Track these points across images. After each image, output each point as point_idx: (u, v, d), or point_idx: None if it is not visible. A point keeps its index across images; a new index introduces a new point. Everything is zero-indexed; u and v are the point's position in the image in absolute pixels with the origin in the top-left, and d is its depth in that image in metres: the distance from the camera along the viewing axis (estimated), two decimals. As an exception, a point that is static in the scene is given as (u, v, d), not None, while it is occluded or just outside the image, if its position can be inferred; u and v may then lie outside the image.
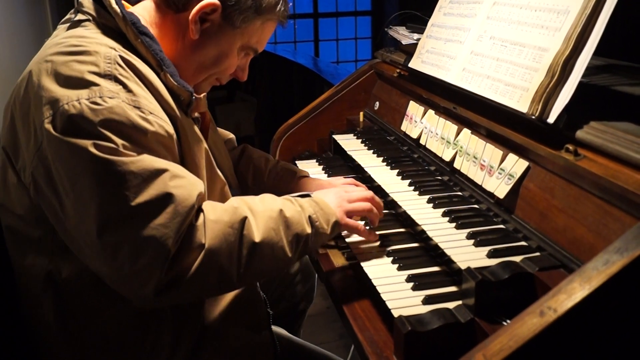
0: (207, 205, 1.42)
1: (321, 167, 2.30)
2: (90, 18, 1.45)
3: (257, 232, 1.41)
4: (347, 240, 1.71)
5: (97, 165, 1.27)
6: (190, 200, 1.33)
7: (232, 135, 2.23)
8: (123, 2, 1.50)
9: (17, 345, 1.55)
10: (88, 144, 1.26)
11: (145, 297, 1.32)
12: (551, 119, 1.43)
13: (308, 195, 1.61)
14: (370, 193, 1.71)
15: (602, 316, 1.01)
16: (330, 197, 1.62)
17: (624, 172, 1.23)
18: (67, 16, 1.54)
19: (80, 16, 1.48)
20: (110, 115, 1.28)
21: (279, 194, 1.91)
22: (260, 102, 7.04)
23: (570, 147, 1.36)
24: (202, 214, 1.38)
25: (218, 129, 2.16)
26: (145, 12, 1.53)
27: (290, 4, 1.65)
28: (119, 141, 1.28)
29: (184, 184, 1.34)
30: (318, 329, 3.29)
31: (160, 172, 1.31)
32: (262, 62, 6.62)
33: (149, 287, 1.29)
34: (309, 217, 1.51)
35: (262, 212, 1.45)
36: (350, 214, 1.62)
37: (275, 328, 1.78)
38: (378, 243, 1.67)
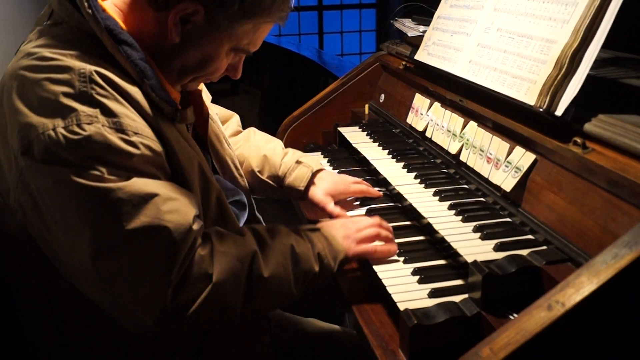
0: (215, 234, 1.37)
1: (326, 159, 2.29)
2: (63, 21, 1.35)
3: (265, 268, 1.36)
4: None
5: (84, 193, 1.21)
6: (186, 224, 1.27)
7: (234, 117, 2.13)
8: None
9: (16, 358, 1.53)
10: (71, 172, 1.20)
11: (145, 326, 1.27)
12: (559, 112, 1.41)
13: (318, 230, 1.53)
14: (377, 219, 1.63)
15: (611, 310, 1.00)
16: (337, 230, 1.56)
17: (632, 166, 1.22)
18: (41, 14, 1.44)
19: (53, 19, 1.37)
20: (89, 145, 1.20)
21: (295, 190, 1.90)
22: (264, 95, 7.03)
23: (578, 140, 1.35)
24: (209, 244, 1.33)
25: (220, 108, 2.10)
26: (124, 6, 1.39)
27: (293, 1, 1.50)
28: (103, 169, 1.21)
29: (177, 207, 1.27)
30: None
31: (151, 196, 1.24)
32: (267, 54, 6.61)
33: (150, 316, 1.25)
34: (318, 254, 1.46)
35: (273, 247, 1.41)
36: (358, 243, 1.55)
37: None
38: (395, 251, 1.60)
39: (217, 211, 1.51)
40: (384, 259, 1.56)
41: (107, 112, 1.24)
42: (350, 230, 1.57)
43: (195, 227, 1.30)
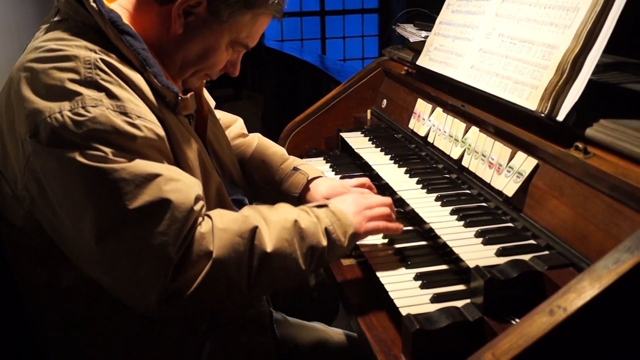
0: (216, 213, 1.38)
1: (328, 164, 2.29)
2: (69, 17, 1.40)
3: (269, 242, 1.36)
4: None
5: (87, 174, 1.24)
6: (188, 204, 1.29)
7: (238, 121, 2.14)
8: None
9: (21, 352, 1.54)
10: (75, 153, 1.23)
11: (148, 306, 1.28)
12: (560, 117, 1.42)
13: (325, 205, 1.53)
14: (388, 199, 1.64)
15: (613, 315, 1.00)
16: (348, 205, 1.55)
17: (634, 170, 1.22)
18: (49, 15, 1.49)
19: (59, 16, 1.42)
20: (94, 126, 1.24)
21: (289, 196, 1.88)
22: (267, 100, 7.05)
23: (580, 145, 1.35)
24: (210, 221, 1.34)
25: (224, 113, 2.11)
26: (129, 5, 1.46)
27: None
28: (107, 149, 1.24)
29: (180, 187, 1.29)
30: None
31: (153, 176, 1.27)
32: (269, 60, 6.63)
33: (151, 295, 1.26)
34: (325, 228, 1.44)
35: (276, 222, 1.40)
36: (369, 220, 1.55)
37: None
38: (387, 240, 1.65)
39: (216, 201, 1.53)
40: (383, 261, 1.57)
41: (112, 96, 1.28)
42: (361, 206, 1.56)
43: (196, 207, 1.32)
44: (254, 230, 1.36)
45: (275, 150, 2.01)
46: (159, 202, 1.26)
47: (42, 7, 4.28)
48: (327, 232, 1.45)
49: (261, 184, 1.94)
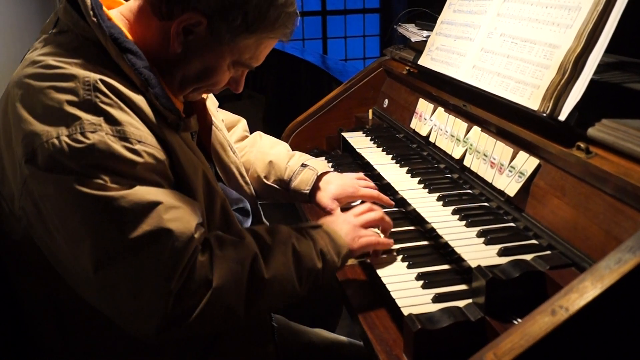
0: (215, 239, 1.36)
1: (330, 164, 2.29)
2: (69, 29, 1.35)
3: (266, 269, 1.36)
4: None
5: (85, 202, 1.20)
6: (188, 233, 1.26)
7: (241, 123, 2.12)
8: (105, 8, 1.37)
9: (21, 359, 1.52)
10: (73, 181, 1.20)
11: (147, 334, 1.26)
12: (562, 117, 1.42)
13: (319, 226, 1.53)
14: (380, 214, 1.64)
15: (615, 315, 1.00)
16: (340, 224, 1.55)
17: (636, 170, 1.22)
18: (47, 23, 1.44)
19: (58, 27, 1.38)
20: (93, 153, 1.20)
21: (300, 193, 1.89)
22: (268, 100, 7.04)
23: (582, 145, 1.35)
24: (209, 249, 1.32)
25: (227, 113, 2.09)
26: (130, 15, 1.41)
27: (298, 18, 1.49)
28: (106, 177, 1.21)
29: (180, 215, 1.27)
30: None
31: (154, 205, 1.23)
32: (270, 59, 6.64)
33: (151, 324, 1.24)
34: (320, 250, 1.44)
35: (274, 247, 1.40)
36: (361, 237, 1.55)
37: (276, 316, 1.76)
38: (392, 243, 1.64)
39: (221, 218, 1.51)
40: (385, 261, 1.57)
41: (111, 121, 1.24)
42: (353, 224, 1.57)
43: (197, 235, 1.29)
44: (253, 257, 1.35)
45: (280, 148, 2.01)
46: (159, 232, 1.23)
47: (44, 8, 4.28)
48: (322, 254, 1.45)
49: (270, 184, 1.93)
